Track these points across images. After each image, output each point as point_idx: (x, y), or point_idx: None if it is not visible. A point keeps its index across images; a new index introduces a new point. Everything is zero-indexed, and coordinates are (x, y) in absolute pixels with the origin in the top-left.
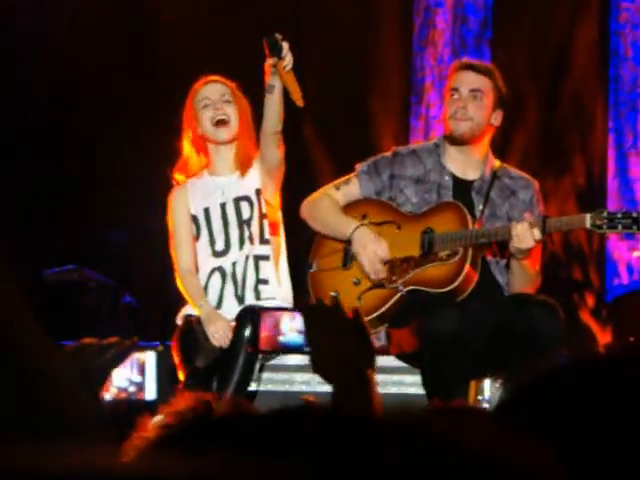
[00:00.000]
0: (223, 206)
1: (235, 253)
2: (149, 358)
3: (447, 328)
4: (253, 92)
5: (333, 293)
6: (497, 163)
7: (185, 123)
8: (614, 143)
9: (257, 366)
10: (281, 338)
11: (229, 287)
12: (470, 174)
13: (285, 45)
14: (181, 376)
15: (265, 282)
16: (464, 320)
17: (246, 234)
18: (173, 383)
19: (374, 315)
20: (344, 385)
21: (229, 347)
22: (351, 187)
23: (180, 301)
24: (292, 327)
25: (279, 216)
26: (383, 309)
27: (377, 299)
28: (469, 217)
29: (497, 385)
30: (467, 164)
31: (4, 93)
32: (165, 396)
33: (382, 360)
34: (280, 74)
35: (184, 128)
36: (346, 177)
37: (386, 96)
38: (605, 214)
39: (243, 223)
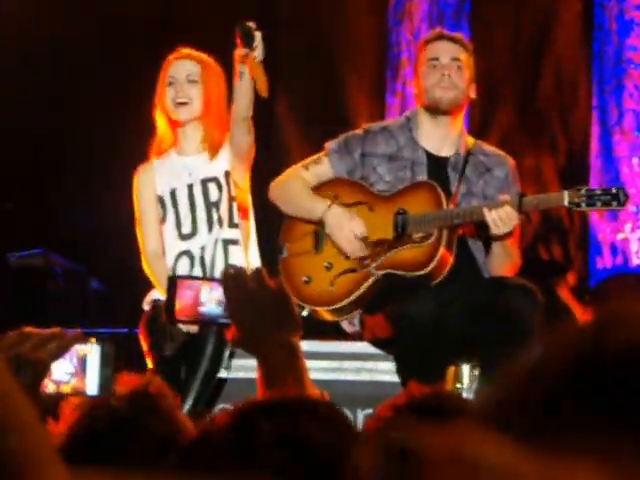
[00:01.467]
0: (190, 187)
1: (203, 236)
2: (92, 350)
3: (421, 313)
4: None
5: (305, 279)
6: (471, 140)
7: (156, 98)
8: (598, 120)
9: (226, 353)
10: (201, 309)
11: (197, 272)
12: (445, 150)
13: (258, 35)
14: (149, 363)
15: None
16: (439, 304)
17: (214, 217)
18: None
19: (347, 300)
20: (267, 356)
21: (197, 334)
22: (321, 167)
23: (150, 286)
24: (212, 297)
25: (249, 199)
26: (356, 294)
27: (350, 284)
28: (443, 197)
29: (475, 373)
30: (442, 139)
31: None
32: (108, 391)
33: (355, 346)
34: (249, 64)
35: (156, 103)
36: (315, 156)
37: (361, 72)
38: (583, 191)
39: (211, 205)
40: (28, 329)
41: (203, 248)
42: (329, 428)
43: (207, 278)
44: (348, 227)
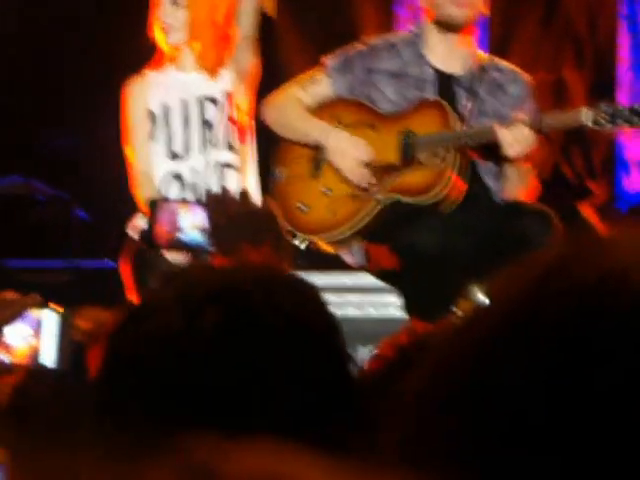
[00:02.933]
0: (185, 104)
1: (195, 158)
2: (49, 318)
3: (432, 242)
4: None
5: (302, 206)
6: (484, 55)
7: (151, 15)
8: (627, 31)
9: None
10: (180, 235)
11: (188, 197)
12: (455, 67)
13: None
14: (133, 298)
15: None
16: (448, 232)
17: (210, 137)
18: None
19: (348, 229)
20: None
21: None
22: (320, 86)
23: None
24: (192, 224)
25: (250, 124)
26: (358, 222)
27: (351, 211)
28: (453, 116)
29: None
30: (452, 55)
31: None
32: (64, 363)
33: (359, 279)
34: None
35: (151, 20)
36: (313, 74)
37: None
38: (608, 109)
39: (207, 125)
40: None
41: (195, 170)
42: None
43: (189, 201)
44: (351, 153)
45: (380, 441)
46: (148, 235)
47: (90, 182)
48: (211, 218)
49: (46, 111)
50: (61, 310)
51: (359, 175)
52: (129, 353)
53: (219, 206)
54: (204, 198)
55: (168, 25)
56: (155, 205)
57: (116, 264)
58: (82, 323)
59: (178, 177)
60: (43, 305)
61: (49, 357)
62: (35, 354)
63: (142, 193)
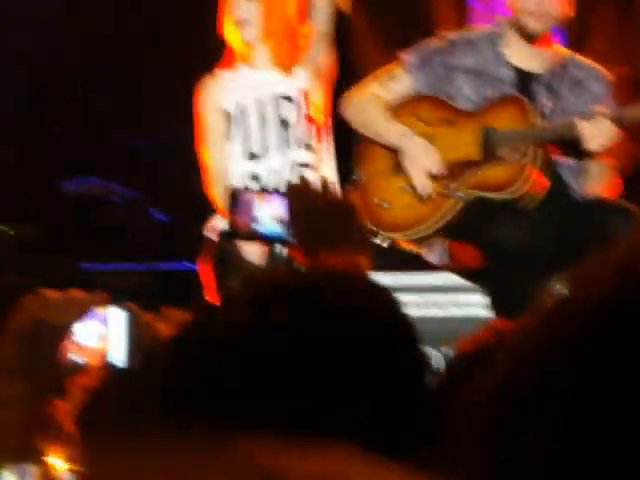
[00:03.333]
0: (262, 103)
1: (274, 157)
2: (117, 316)
3: (511, 238)
4: None
5: (383, 203)
6: (564, 51)
7: (222, 12)
8: None
9: None
10: (256, 226)
11: None
12: (534, 65)
13: None
14: (211, 298)
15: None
16: (531, 229)
17: (287, 137)
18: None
19: (431, 226)
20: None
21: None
22: (399, 83)
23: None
24: (269, 214)
25: (327, 120)
26: (439, 219)
27: (433, 209)
28: (533, 112)
29: None
30: (532, 54)
31: None
32: (135, 359)
33: (442, 278)
34: None
35: (221, 17)
36: (391, 69)
37: None
38: None
39: (284, 124)
40: (47, 292)
41: (273, 170)
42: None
43: (267, 191)
44: (420, 163)
45: (447, 440)
46: (231, 227)
47: (167, 183)
48: (290, 208)
49: (123, 112)
50: (130, 307)
51: (423, 185)
52: (195, 353)
53: (299, 196)
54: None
55: (242, 20)
56: (233, 195)
57: (195, 265)
58: (161, 325)
59: (255, 177)
60: (110, 303)
61: (118, 356)
62: (105, 353)
63: (218, 193)
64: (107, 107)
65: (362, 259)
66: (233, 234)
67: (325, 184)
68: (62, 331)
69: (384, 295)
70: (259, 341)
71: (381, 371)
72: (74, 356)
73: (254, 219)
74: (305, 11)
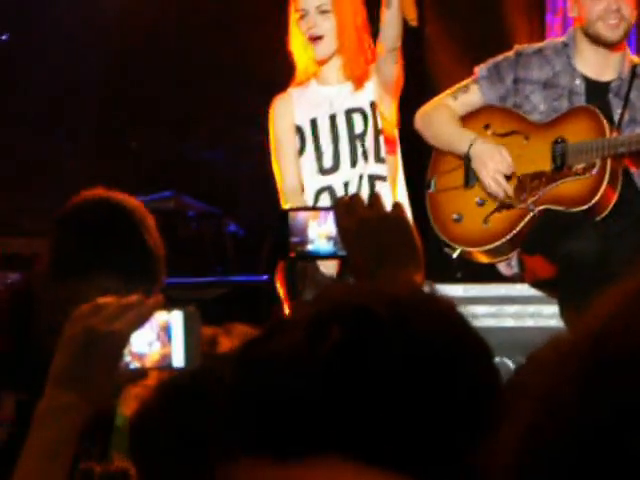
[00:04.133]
0: (333, 118)
1: (346, 171)
2: (175, 319)
3: (589, 250)
4: None
5: (456, 216)
6: (636, 59)
7: (290, 31)
8: None
9: None
10: (309, 247)
11: None
12: (606, 74)
13: None
14: (287, 311)
15: None
16: (605, 240)
17: (359, 150)
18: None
19: (503, 239)
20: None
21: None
22: (470, 95)
23: None
24: (321, 233)
25: (396, 133)
26: (513, 232)
27: (506, 221)
28: (606, 123)
29: None
30: (603, 63)
31: None
32: (195, 362)
33: (516, 289)
34: None
35: (290, 37)
36: (464, 83)
37: None
38: None
39: (356, 138)
40: (103, 299)
41: (346, 184)
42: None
43: (317, 208)
44: (492, 166)
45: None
46: (282, 246)
47: (242, 197)
48: (339, 224)
49: (197, 126)
50: (187, 309)
51: (500, 188)
52: (248, 373)
53: (348, 211)
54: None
55: (318, 36)
56: (284, 216)
57: (271, 279)
58: (226, 341)
59: (328, 189)
60: (169, 306)
61: (179, 360)
62: (166, 358)
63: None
64: (182, 122)
65: (417, 275)
66: (287, 256)
67: (375, 198)
68: (117, 339)
69: (450, 314)
70: (311, 363)
71: (453, 390)
72: (131, 364)
73: (307, 239)
74: (372, 22)
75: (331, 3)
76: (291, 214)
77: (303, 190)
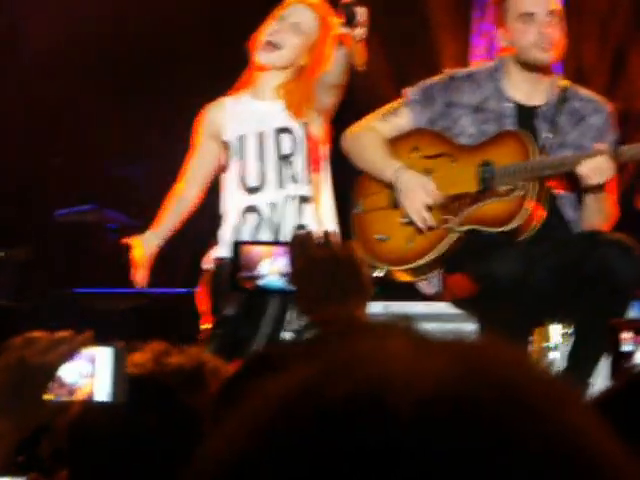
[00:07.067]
0: (260, 136)
1: (272, 192)
2: (103, 355)
3: (506, 271)
4: None
5: (381, 237)
6: (565, 83)
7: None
8: None
9: (288, 315)
10: (260, 282)
11: (264, 233)
12: (535, 99)
13: (362, 12)
14: (205, 325)
15: (302, 228)
16: (526, 262)
17: (287, 173)
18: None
19: (427, 259)
20: (327, 326)
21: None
22: (400, 118)
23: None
24: (273, 269)
25: (323, 150)
26: (436, 252)
27: (430, 241)
28: (531, 147)
29: (568, 332)
30: (533, 88)
31: None
32: (122, 398)
33: (436, 307)
34: (348, 41)
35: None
36: (394, 104)
37: (445, 11)
38: None
39: (283, 159)
40: (35, 333)
41: (272, 205)
42: None
43: (271, 243)
44: (416, 197)
45: None
46: (232, 277)
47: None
48: (293, 262)
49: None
50: (116, 345)
51: (422, 218)
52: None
53: (302, 248)
54: (286, 238)
55: (276, 45)
56: (237, 248)
57: (187, 292)
58: (138, 357)
59: (254, 209)
60: (97, 342)
61: (104, 394)
62: (91, 392)
63: (167, 208)
64: (106, 137)
65: (359, 308)
66: (237, 288)
67: (327, 233)
68: (47, 371)
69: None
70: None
71: None
72: (59, 396)
73: (258, 275)
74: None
75: (309, 24)
76: (244, 247)
77: (191, 205)
